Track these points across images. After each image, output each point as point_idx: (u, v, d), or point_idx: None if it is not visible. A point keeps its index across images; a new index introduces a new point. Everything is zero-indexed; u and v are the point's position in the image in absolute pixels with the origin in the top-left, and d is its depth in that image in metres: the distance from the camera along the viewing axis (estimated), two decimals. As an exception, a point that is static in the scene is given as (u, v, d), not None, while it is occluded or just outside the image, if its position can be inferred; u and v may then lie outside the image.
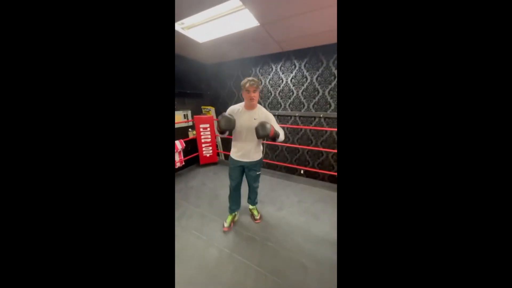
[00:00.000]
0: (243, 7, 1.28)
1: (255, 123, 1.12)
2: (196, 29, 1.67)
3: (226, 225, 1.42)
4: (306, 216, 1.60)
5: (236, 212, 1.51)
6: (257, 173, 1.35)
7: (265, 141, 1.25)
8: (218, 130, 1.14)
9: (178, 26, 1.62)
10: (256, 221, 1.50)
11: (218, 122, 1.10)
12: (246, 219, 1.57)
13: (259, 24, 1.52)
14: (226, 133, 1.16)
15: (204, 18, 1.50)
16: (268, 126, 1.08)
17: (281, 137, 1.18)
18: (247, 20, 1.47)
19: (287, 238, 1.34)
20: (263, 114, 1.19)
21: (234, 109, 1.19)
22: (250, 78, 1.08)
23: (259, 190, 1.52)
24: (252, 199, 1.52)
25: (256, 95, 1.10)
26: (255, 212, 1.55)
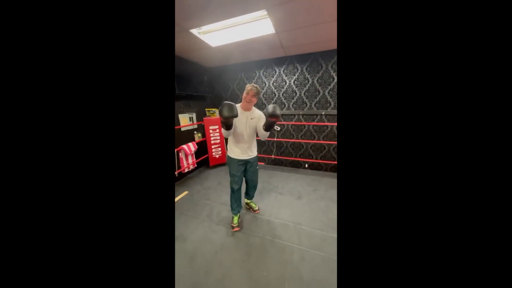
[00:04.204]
0: (266, 16, 1.43)
1: (252, 122, 1.31)
2: (212, 34, 1.75)
3: (235, 225, 1.46)
4: (325, 201, 1.81)
5: (240, 212, 1.57)
6: (257, 167, 1.51)
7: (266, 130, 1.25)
8: (223, 122, 1.09)
9: (195, 31, 1.68)
10: (256, 212, 1.66)
11: (221, 110, 1.02)
12: (268, 209, 1.70)
13: (274, 32, 1.69)
14: (231, 130, 1.18)
15: (223, 25, 1.59)
16: (279, 110, 1.13)
17: (268, 133, 1.30)
18: (265, 28, 1.62)
19: (316, 221, 1.52)
20: (257, 114, 1.34)
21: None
22: (254, 85, 1.24)
23: (273, 182, 1.66)
24: (251, 195, 1.66)
25: (255, 100, 1.26)
26: (253, 205, 1.71)
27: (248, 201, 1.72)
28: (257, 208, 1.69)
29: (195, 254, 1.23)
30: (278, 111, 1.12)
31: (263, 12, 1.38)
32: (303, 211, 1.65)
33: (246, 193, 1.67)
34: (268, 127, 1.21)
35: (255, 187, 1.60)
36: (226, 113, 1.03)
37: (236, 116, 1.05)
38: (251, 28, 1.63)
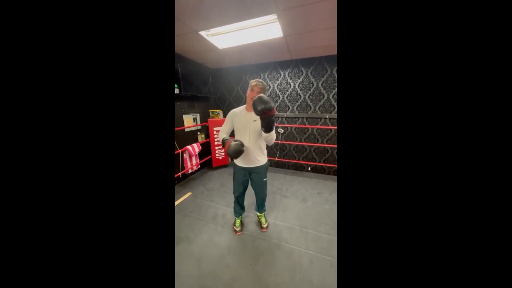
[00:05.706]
0: (276, 20, 1.45)
1: (256, 125, 1.08)
2: (220, 36, 1.76)
3: (237, 229, 1.41)
4: (329, 204, 1.80)
5: (242, 215, 1.49)
6: (264, 179, 1.27)
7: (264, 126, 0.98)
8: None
9: (204, 33, 1.69)
10: (263, 230, 1.43)
11: (226, 149, 1.05)
12: (273, 211, 1.69)
13: (282, 36, 1.71)
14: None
15: (232, 28, 1.61)
16: (267, 99, 0.86)
17: (273, 135, 1.05)
18: (273, 32, 1.64)
19: (322, 224, 1.51)
20: None
21: (235, 112, 1.17)
22: (259, 80, 1.10)
23: (277, 185, 1.61)
24: (260, 207, 1.44)
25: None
26: (263, 220, 1.48)
27: (258, 214, 1.52)
28: (266, 225, 1.45)
29: (201, 257, 1.21)
30: (268, 104, 0.84)
31: (273, 16, 1.40)
32: (309, 215, 1.65)
33: (255, 203, 1.48)
34: (266, 127, 0.94)
35: (262, 200, 1.39)
36: (231, 155, 1.04)
37: (240, 154, 1.06)
38: (259, 31, 1.65)
